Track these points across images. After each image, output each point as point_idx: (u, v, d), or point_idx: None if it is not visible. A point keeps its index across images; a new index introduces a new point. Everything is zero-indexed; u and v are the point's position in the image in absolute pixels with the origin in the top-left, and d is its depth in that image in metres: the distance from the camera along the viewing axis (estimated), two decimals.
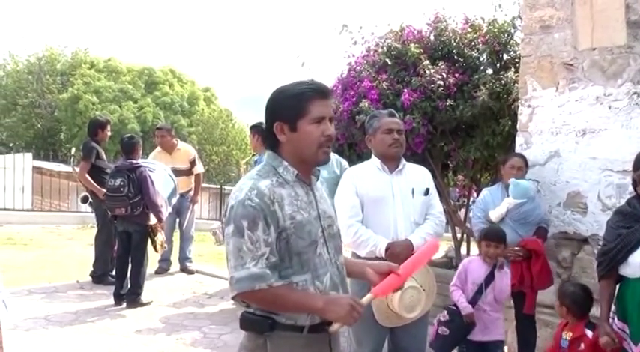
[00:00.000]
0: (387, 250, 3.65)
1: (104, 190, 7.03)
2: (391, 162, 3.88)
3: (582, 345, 3.81)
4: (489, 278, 4.22)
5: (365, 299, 2.31)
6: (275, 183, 2.26)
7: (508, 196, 4.76)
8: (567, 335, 3.94)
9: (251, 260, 2.15)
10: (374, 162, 3.93)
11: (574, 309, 3.92)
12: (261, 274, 2.15)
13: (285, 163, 2.31)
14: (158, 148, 8.42)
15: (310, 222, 2.29)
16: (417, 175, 3.95)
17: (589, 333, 3.76)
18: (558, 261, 4.91)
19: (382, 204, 3.79)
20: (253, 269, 2.15)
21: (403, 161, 3.93)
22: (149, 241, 6.86)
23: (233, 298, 2.26)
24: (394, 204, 3.79)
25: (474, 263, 4.33)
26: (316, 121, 2.27)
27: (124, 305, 6.71)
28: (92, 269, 7.72)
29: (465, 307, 4.13)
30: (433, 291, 3.86)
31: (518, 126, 5.25)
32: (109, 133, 7.96)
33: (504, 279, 4.28)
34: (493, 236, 4.28)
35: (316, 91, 2.30)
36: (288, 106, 2.28)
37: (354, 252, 3.86)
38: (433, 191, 3.98)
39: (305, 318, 2.25)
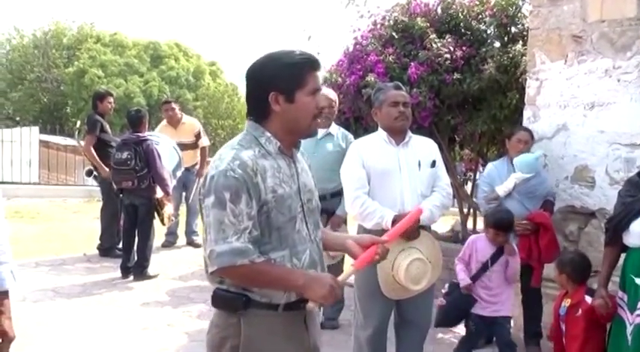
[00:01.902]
0: (393, 222, 3.62)
1: (106, 168, 7.04)
2: (397, 134, 3.85)
3: (580, 311, 3.83)
4: (495, 256, 4.29)
5: (344, 275, 2.26)
6: (258, 154, 2.16)
7: (514, 170, 4.74)
8: (567, 303, 3.97)
9: (233, 234, 2.06)
10: (380, 134, 3.90)
11: (573, 276, 3.98)
12: (244, 249, 2.06)
13: (268, 134, 2.21)
14: (164, 122, 8.45)
15: (291, 197, 2.20)
16: (423, 147, 3.93)
17: (588, 299, 3.78)
18: (565, 234, 4.90)
19: (388, 177, 3.77)
20: (236, 244, 2.06)
21: (409, 133, 3.90)
22: (155, 214, 6.89)
23: (211, 273, 2.14)
24: (400, 176, 3.77)
25: (481, 242, 4.38)
26: (312, 93, 2.21)
27: (131, 277, 6.77)
28: (99, 242, 7.78)
29: (463, 279, 4.25)
30: (439, 264, 3.88)
31: (525, 99, 5.20)
32: (110, 105, 7.93)
33: (515, 260, 4.33)
34: (504, 225, 4.29)
35: (313, 62, 2.23)
36: (287, 76, 2.18)
37: (360, 224, 3.86)
38: (440, 163, 3.96)
39: (281, 296, 2.17)
